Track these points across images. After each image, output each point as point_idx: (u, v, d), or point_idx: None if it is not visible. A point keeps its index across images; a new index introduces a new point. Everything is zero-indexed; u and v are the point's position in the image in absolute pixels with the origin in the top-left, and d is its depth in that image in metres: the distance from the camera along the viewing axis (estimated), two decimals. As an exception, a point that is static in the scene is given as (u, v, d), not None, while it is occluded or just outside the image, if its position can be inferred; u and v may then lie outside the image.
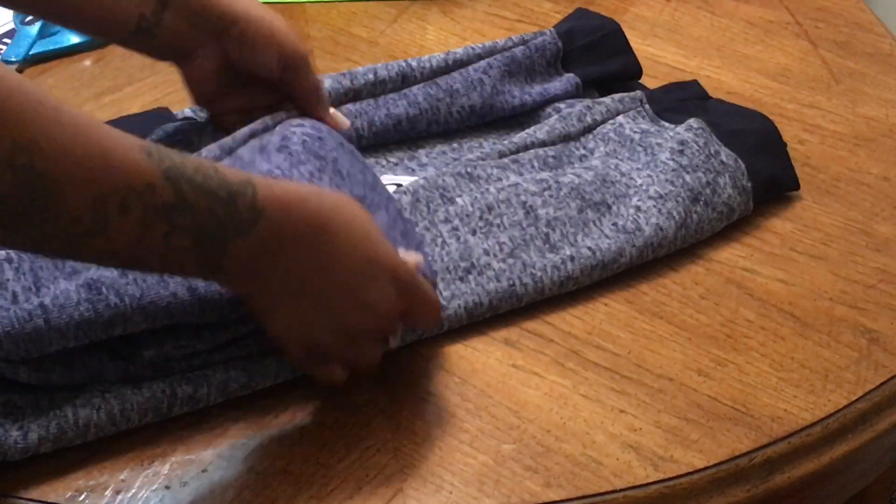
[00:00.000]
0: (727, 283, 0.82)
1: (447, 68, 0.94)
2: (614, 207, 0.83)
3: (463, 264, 0.78)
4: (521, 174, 0.85)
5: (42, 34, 1.04)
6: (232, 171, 0.62)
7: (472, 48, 0.95)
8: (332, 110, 0.84)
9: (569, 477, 0.68)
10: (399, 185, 0.84)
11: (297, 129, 0.77)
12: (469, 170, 0.84)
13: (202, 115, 0.88)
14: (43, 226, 0.56)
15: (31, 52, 1.03)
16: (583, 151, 0.89)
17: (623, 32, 0.99)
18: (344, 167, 0.76)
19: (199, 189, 0.60)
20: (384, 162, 0.91)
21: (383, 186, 0.77)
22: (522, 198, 0.82)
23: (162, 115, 0.88)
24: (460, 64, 0.94)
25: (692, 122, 0.88)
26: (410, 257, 0.71)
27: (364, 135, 0.91)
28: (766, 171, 0.88)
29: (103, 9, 0.77)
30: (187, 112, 0.89)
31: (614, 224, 0.82)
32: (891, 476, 0.98)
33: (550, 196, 0.83)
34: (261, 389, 0.72)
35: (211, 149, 0.77)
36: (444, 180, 0.83)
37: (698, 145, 0.86)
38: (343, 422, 0.71)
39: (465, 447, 0.70)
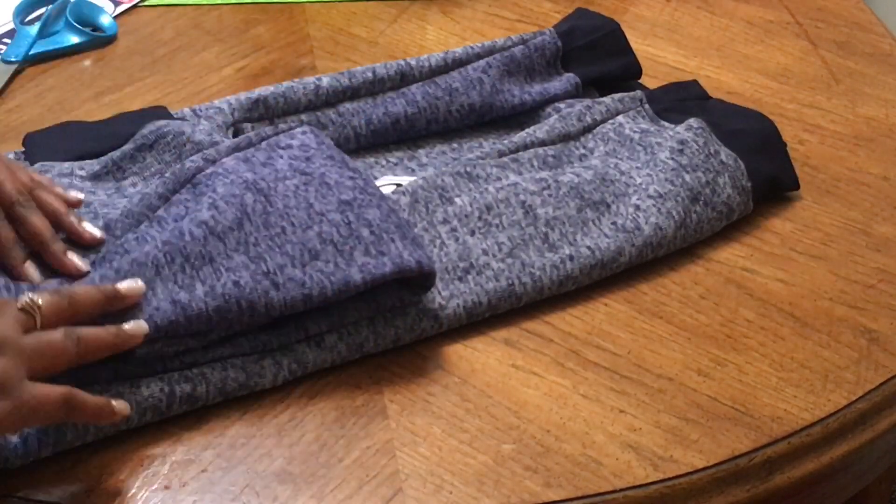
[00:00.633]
0: (727, 283, 0.82)
1: (446, 67, 0.94)
2: (613, 207, 0.83)
3: (462, 264, 0.78)
4: (520, 173, 0.85)
5: (42, 34, 1.04)
6: None
7: (472, 48, 0.95)
8: (66, 255, 0.73)
9: (569, 477, 0.68)
10: (398, 186, 0.84)
11: (285, 153, 0.78)
12: (468, 169, 0.84)
13: (201, 114, 0.88)
14: None
15: (30, 52, 1.03)
16: (582, 151, 0.89)
17: (623, 32, 0.99)
18: (332, 178, 0.76)
19: None
20: (384, 162, 0.91)
21: (375, 188, 0.77)
22: (521, 197, 0.82)
23: (158, 113, 0.88)
24: (459, 63, 0.94)
25: (692, 121, 0.88)
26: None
27: (362, 133, 0.91)
28: (765, 171, 0.88)
29: None
30: (185, 112, 0.89)
31: (613, 223, 0.82)
32: (891, 476, 0.98)
33: (549, 195, 0.83)
34: (260, 390, 0.72)
35: (194, 159, 0.77)
36: (442, 180, 0.83)
37: (698, 145, 0.86)
38: (343, 422, 0.71)
39: (465, 447, 0.70)
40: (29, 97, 0.98)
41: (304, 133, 0.80)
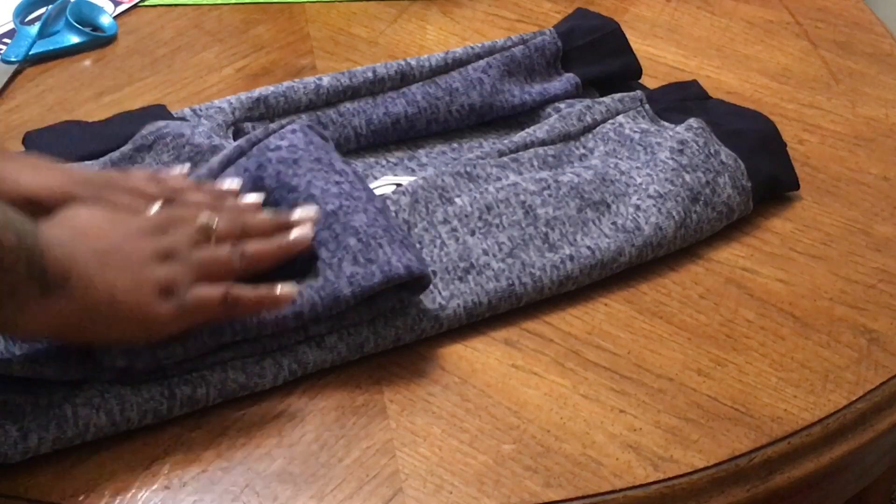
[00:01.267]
0: (727, 282, 0.82)
1: (446, 67, 0.94)
2: (614, 206, 0.83)
3: (462, 265, 0.78)
4: (520, 173, 0.85)
5: (42, 34, 1.04)
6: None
7: (472, 48, 0.95)
8: None
9: (569, 477, 0.68)
10: (398, 185, 0.84)
11: (273, 156, 0.77)
12: (468, 169, 0.84)
13: (201, 113, 0.88)
14: None
15: (30, 52, 1.03)
16: (582, 151, 0.89)
17: (623, 32, 0.99)
18: (317, 187, 0.76)
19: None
20: (384, 162, 0.91)
21: (363, 189, 0.77)
22: (522, 197, 0.82)
23: (158, 112, 0.88)
24: (459, 63, 0.94)
25: (692, 121, 0.88)
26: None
27: (362, 133, 0.91)
28: (765, 171, 0.88)
29: None
30: (185, 112, 0.89)
31: (614, 223, 0.82)
32: (891, 476, 0.98)
33: (550, 195, 0.83)
34: (260, 390, 0.72)
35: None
36: (443, 180, 0.83)
37: (698, 145, 0.86)
38: (343, 422, 0.71)
39: (465, 447, 0.70)
40: (29, 97, 0.98)
41: (293, 132, 0.79)
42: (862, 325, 0.80)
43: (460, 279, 0.78)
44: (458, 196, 0.82)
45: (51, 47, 1.04)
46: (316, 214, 0.74)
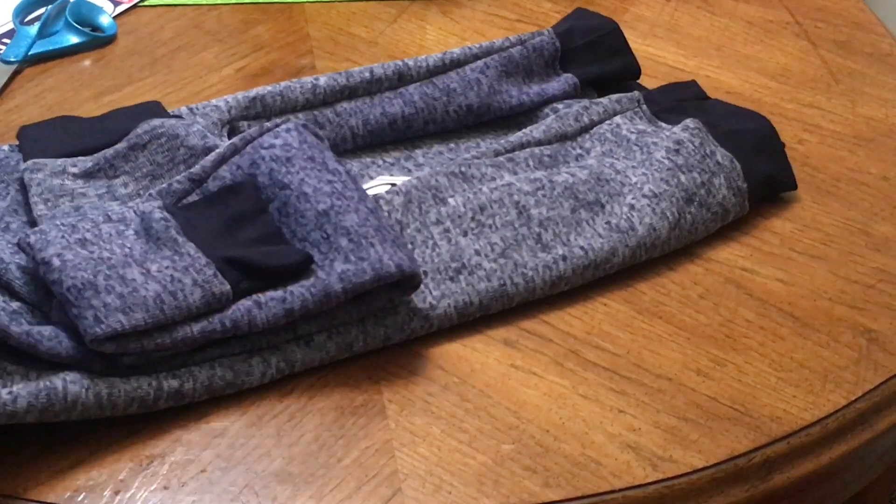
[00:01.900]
0: (726, 282, 0.82)
1: (444, 68, 0.94)
2: (608, 206, 0.83)
3: (454, 265, 0.78)
4: (515, 173, 0.85)
5: (42, 34, 1.04)
6: None
7: (470, 48, 0.95)
8: None
9: (568, 477, 0.68)
10: (393, 185, 0.84)
11: (267, 154, 0.77)
12: (463, 169, 0.84)
13: (197, 112, 0.88)
14: None
15: (30, 52, 1.03)
16: (579, 151, 0.89)
17: (622, 32, 0.99)
18: (310, 186, 0.76)
19: None
20: (380, 162, 0.91)
21: (356, 189, 0.77)
22: (515, 197, 0.82)
23: (153, 109, 0.88)
24: (457, 64, 0.94)
25: (688, 122, 0.88)
26: None
27: (359, 133, 0.91)
28: (762, 172, 0.88)
29: None
30: (182, 110, 0.89)
31: (608, 223, 0.82)
32: (891, 476, 0.98)
33: (544, 196, 0.82)
34: (259, 390, 0.72)
35: (180, 180, 0.77)
36: (437, 180, 0.82)
37: (694, 145, 0.86)
38: (342, 422, 0.71)
39: (465, 447, 0.70)
40: (29, 97, 0.98)
41: (287, 131, 0.79)
42: (861, 325, 0.80)
43: (451, 279, 0.78)
44: (452, 196, 0.82)
45: (50, 47, 1.04)
46: None
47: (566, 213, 0.82)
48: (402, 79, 0.93)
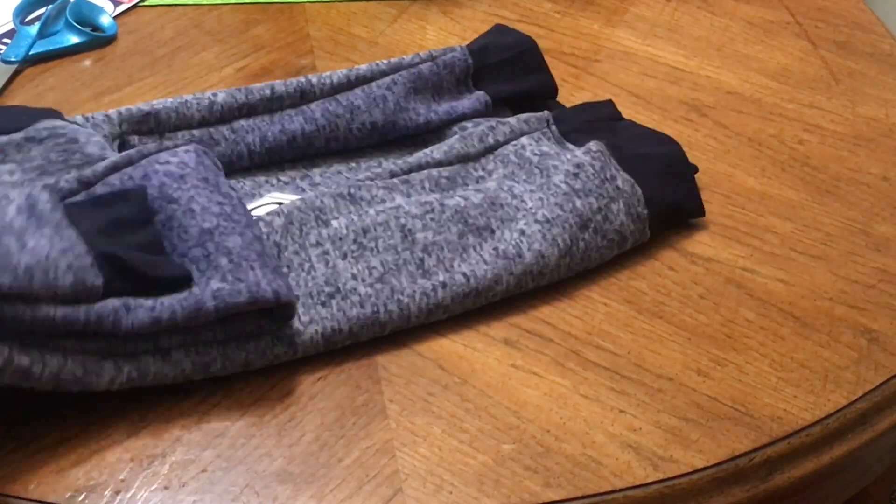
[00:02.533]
0: (727, 282, 0.82)
1: (349, 84, 0.90)
2: (498, 232, 0.80)
3: (327, 289, 0.75)
4: (409, 195, 0.82)
5: (42, 34, 1.04)
6: None
7: (377, 64, 0.92)
8: None
9: (568, 477, 0.68)
10: (280, 204, 0.81)
11: (161, 168, 0.75)
12: (352, 191, 0.81)
13: (98, 118, 0.85)
14: None
15: (30, 52, 1.03)
16: (481, 173, 0.86)
17: (539, 50, 0.96)
18: (198, 204, 0.74)
19: None
20: (274, 181, 0.88)
21: (243, 213, 0.75)
22: (402, 220, 0.79)
23: (52, 114, 0.84)
24: (363, 80, 0.91)
25: (591, 144, 0.85)
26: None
27: (256, 150, 0.88)
28: (665, 198, 0.84)
29: None
30: (77, 118, 0.85)
31: (495, 249, 0.79)
32: (891, 476, 0.98)
33: (432, 219, 0.80)
34: (260, 390, 0.72)
35: (69, 179, 0.75)
36: (322, 201, 0.80)
37: (594, 169, 0.83)
38: (343, 422, 0.71)
39: (465, 447, 0.70)
40: (29, 97, 0.98)
41: (186, 151, 0.77)
42: (862, 325, 0.80)
43: (323, 304, 0.75)
44: (336, 218, 0.79)
45: (50, 47, 1.04)
46: None
47: (453, 238, 0.79)
48: (304, 96, 0.90)
